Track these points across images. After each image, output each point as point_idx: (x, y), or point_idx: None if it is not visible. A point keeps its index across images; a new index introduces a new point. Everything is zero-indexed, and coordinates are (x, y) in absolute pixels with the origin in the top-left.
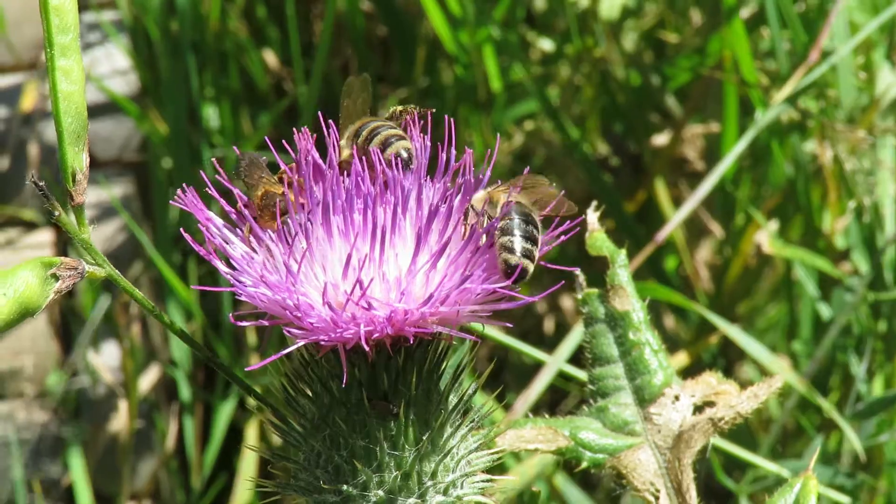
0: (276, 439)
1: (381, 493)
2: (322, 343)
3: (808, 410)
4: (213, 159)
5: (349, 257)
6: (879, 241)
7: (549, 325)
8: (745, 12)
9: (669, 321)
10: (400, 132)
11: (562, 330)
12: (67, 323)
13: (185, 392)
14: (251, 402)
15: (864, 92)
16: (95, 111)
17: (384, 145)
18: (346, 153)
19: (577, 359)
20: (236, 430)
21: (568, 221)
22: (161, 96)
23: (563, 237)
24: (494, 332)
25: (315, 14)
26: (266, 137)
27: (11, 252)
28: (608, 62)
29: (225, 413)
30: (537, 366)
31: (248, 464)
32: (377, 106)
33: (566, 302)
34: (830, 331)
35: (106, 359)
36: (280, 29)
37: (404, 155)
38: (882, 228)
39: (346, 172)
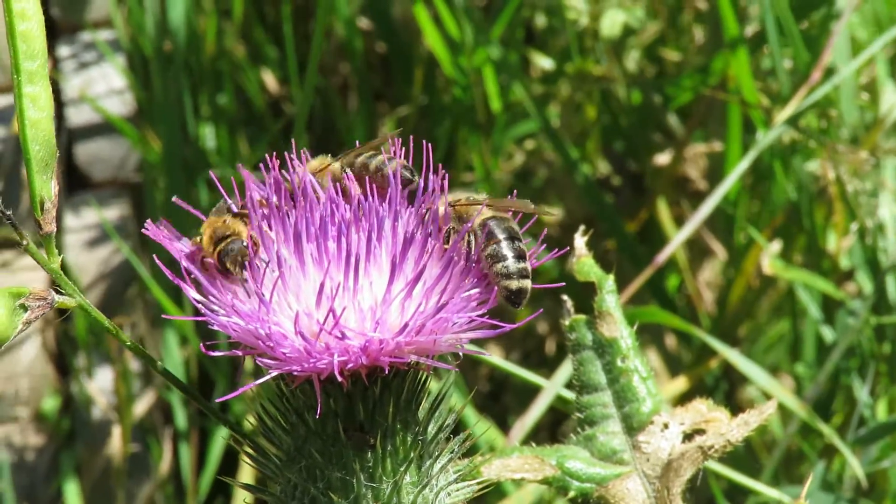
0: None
1: None
2: (296, 374)
3: (812, 434)
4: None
5: (322, 286)
6: (883, 262)
7: (550, 347)
8: (749, 30)
9: (671, 342)
10: (390, 157)
11: (564, 351)
12: (62, 347)
13: (181, 417)
14: (248, 425)
15: (867, 111)
16: (91, 131)
17: (368, 162)
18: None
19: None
20: (232, 454)
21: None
22: (155, 116)
23: (547, 257)
24: (494, 357)
25: (312, 33)
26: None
27: (7, 274)
28: (609, 81)
29: (221, 438)
30: (539, 387)
31: (243, 490)
32: (377, 124)
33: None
34: (833, 354)
35: (101, 383)
36: (278, 48)
37: (385, 170)
38: (885, 250)
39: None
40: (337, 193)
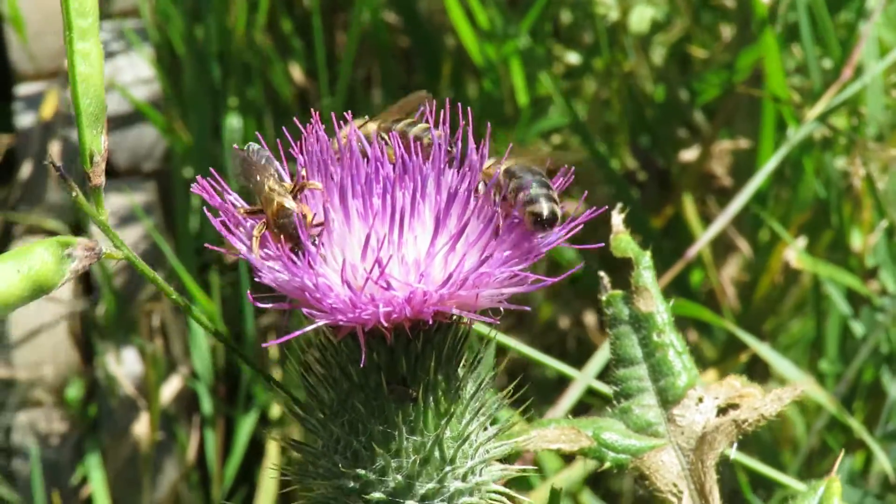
0: (296, 455)
1: (399, 478)
2: (341, 324)
3: (834, 430)
4: (259, 137)
5: (368, 237)
6: None
7: (571, 342)
8: (777, 27)
9: (693, 337)
10: (429, 126)
11: (584, 346)
12: (88, 333)
13: (207, 404)
14: (274, 413)
15: (894, 111)
16: (116, 120)
17: (408, 130)
18: (369, 129)
19: (602, 375)
20: (257, 443)
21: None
22: (185, 106)
23: (581, 218)
24: (523, 347)
25: (338, 26)
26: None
27: None
28: (636, 76)
29: (246, 426)
30: (560, 380)
31: (268, 477)
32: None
33: (589, 318)
34: (861, 350)
35: (126, 369)
36: (304, 41)
37: (426, 139)
38: None
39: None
40: (382, 154)
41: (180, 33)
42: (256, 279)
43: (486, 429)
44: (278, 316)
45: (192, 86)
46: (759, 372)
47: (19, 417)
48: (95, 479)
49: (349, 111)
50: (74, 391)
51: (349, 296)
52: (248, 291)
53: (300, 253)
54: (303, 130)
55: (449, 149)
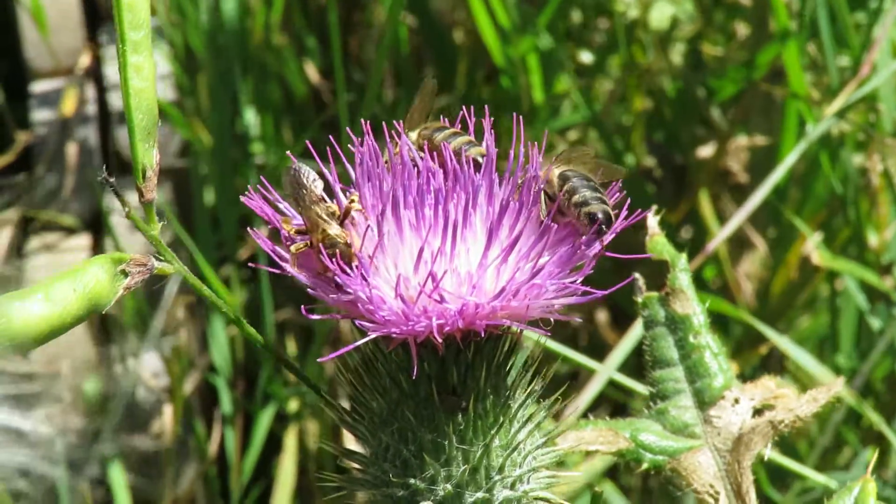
0: (314, 446)
1: (448, 486)
2: (393, 336)
3: (849, 423)
4: (261, 178)
5: (421, 250)
6: None
7: (582, 338)
8: (794, 25)
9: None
10: (472, 139)
11: (595, 342)
12: (106, 328)
13: (227, 400)
14: (291, 408)
15: None
16: None
17: (458, 151)
18: (413, 142)
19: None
20: (274, 438)
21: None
22: (202, 104)
23: (627, 221)
24: (548, 341)
25: (353, 24)
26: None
27: (51, 255)
28: (654, 73)
29: (264, 421)
30: (572, 375)
31: (286, 471)
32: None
33: (600, 315)
34: (879, 344)
35: (145, 365)
36: (318, 40)
37: (479, 160)
38: None
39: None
40: (434, 161)
41: (199, 32)
42: (310, 291)
43: (533, 437)
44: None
45: (212, 84)
46: (772, 368)
47: (38, 412)
48: (114, 474)
49: (400, 121)
50: (92, 386)
51: (402, 308)
52: (302, 307)
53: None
54: (353, 139)
55: (481, 163)
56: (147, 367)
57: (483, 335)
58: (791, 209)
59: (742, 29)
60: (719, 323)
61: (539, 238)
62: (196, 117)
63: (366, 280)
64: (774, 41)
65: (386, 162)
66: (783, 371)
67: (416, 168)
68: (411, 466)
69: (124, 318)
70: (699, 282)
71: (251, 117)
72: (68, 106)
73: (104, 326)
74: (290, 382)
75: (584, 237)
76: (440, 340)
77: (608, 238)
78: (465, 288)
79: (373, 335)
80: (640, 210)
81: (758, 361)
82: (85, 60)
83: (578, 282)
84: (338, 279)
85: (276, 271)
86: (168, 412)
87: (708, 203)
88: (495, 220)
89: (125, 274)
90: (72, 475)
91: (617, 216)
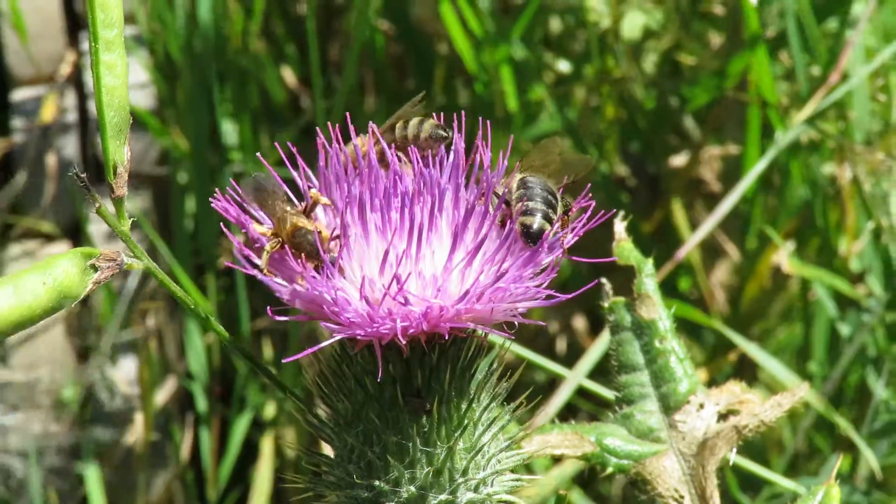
0: (291, 453)
1: (412, 488)
2: (358, 338)
3: (822, 431)
4: (233, 180)
5: (386, 253)
6: None
7: (560, 346)
8: (767, 34)
9: (683, 342)
10: (436, 122)
11: (573, 350)
12: (85, 335)
13: (202, 405)
14: (268, 415)
15: (880, 116)
16: None
17: (419, 129)
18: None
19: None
20: (251, 444)
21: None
22: (180, 111)
23: (587, 225)
24: (516, 347)
25: (332, 32)
26: (284, 153)
27: (31, 262)
28: (627, 83)
29: (241, 427)
30: (550, 384)
31: (262, 477)
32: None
33: (578, 322)
34: (847, 350)
35: (123, 371)
36: (297, 47)
37: (440, 133)
38: None
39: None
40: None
41: (177, 39)
42: (277, 295)
43: (497, 440)
44: (301, 343)
45: (189, 91)
46: (745, 376)
47: (16, 418)
48: (91, 478)
49: (349, 120)
50: (70, 392)
51: (367, 310)
52: (269, 308)
53: (320, 268)
54: (324, 144)
55: (444, 135)
56: (124, 374)
57: (448, 338)
58: (765, 218)
59: (716, 38)
60: (693, 332)
61: (504, 242)
62: (175, 125)
63: (330, 281)
64: (746, 49)
65: (355, 165)
66: (756, 379)
67: (384, 171)
68: (376, 468)
69: (101, 325)
70: (673, 290)
71: (228, 125)
72: (48, 113)
73: (82, 334)
74: (268, 388)
75: (545, 243)
76: (405, 343)
77: (569, 243)
78: (429, 291)
79: (338, 336)
80: (602, 212)
81: (731, 370)
82: (66, 68)
83: (545, 286)
84: (303, 282)
85: (251, 271)
86: (139, 419)
87: (681, 212)
88: (461, 223)
89: (95, 268)
90: (49, 481)
91: (589, 218)
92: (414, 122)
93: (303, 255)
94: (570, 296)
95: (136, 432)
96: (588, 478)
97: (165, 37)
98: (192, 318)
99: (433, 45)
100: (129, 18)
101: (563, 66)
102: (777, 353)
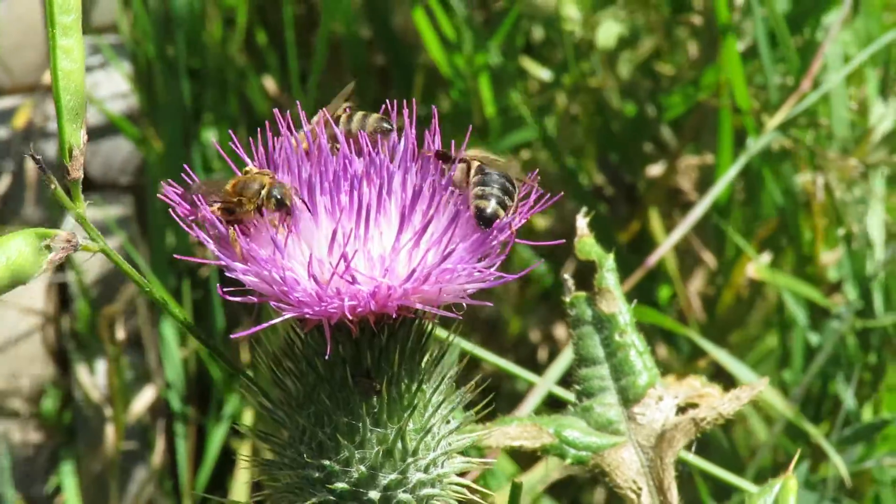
0: (268, 454)
1: (363, 468)
2: (308, 317)
3: (797, 440)
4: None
5: (334, 232)
6: (869, 268)
7: (542, 355)
8: (742, 45)
9: (662, 351)
10: (380, 115)
11: (555, 359)
12: (63, 344)
13: (177, 410)
14: (245, 422)
15: (857, 125)
16: (95, 133)
17: (364, 123)
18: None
19: (567, 382)
20: (229, 453)
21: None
22: (157, 118)
23: (534, 209)
24: (491, 356)
25: (314, 41)
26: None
27: None
28: (604, 92)
29: (218, 435)
30: (530, 390)
31: (239, 485)
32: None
33: (560, 331)
34: (818, 357)
35: (100, 379)
36: (279, 55)
37: (385, 126)
38: (872, 257)
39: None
40: (351, 152)
41: (153, 43)
42: (227, 273)
43: (448, 422)
44: (249, 324)
45: (163, 98)
46: (724, 382)
47: None
48: (69, 488)
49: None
50: (50, 402)
51: (315, 289)
52: (218, 285)
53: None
54: (282, 131)
55: (389, 127)
56: (103, 382)
57: (397, 318)
58: (739, 228)
59: (693, 48)
60: (670, 340)
61: (451, 223)
62: (154, 133)
63: (279, 261)
64: (719, 49)
65: (306, 151)
66: (734, 387)
67: (334, 155)
68: (326, 448)
69: (80, 334)
70: (651, 301)
71: (208, 133)
72: (20, 120)
73: (61, 342)
74: (245, 395)
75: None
76: (353, 321)
77: (517, 225)
78: (377, 270)
79: (286, 316)
80: (549, 195)
81: (709, 378)
82: (47, 77)
83: (495, 267)
84: (254, 259)
85: (221, 263)
86: (110, 428)
87: (658, 221)
88: (408, 205)
89: (49, 249)
90: (27, 490)
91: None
92: (358, 115)
93: (265, 212)
94: (517, 276)
95: (108, 440)
96: (568, 487)
97: (147, 45)
98: (167, 326)
99: (415, 53)
100: (112, 28)
101: (545, 74)
102: (759, 364)
